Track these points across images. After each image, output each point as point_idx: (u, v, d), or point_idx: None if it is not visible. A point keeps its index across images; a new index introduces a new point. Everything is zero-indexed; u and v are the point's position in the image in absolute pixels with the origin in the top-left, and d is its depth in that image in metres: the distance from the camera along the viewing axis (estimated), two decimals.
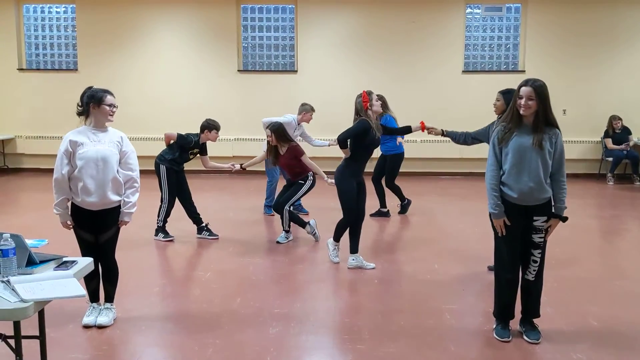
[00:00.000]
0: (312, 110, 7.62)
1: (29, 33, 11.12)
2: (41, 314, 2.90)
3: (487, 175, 3.78)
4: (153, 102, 10.86)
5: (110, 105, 3.84)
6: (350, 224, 5.37)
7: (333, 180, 6.28)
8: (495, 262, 3.92)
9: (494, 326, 3.87)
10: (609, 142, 10.28)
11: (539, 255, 3.74)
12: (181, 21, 10.81)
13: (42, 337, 3.02)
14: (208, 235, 6.31)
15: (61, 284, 2.59)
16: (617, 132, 10.26)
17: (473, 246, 6.05)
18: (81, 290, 2.59)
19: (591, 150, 10.59)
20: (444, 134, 5.48)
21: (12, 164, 11.16)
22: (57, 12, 11.08)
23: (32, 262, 2.77)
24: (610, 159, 10.25)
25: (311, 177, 6.26)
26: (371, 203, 7.76)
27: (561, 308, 4.28)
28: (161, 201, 6.21)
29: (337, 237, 5.47)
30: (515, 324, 3.88)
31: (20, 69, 11.05)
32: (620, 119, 10.22)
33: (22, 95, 11.01)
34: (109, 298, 4.06)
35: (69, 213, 3.87)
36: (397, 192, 7.58)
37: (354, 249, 5.33)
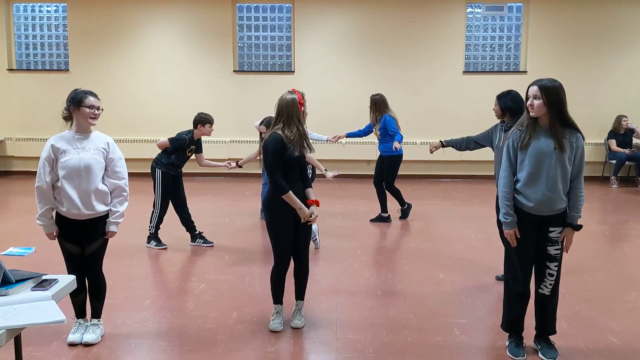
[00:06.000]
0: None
1: (19, 32, 10.84)
2: (17, 340, 2.64)
3: (499, 182, 3.57)
4: (146, 104, 10.61)
5: (90, 107, 3.57)
6: (281, 270, 3.97)
7: (334, 173, 6.05)
8: (505, 273, 3.70)
9: (507, 343, 3.64)
10: (613, 144, 10.08)
11: (556, 269, 3.52)
12: (175, 20, 10.55)
13: None
14: (202, 243, 6.07)
15: (38, 308, 2.33)
16: (621, 133, 10.07)
17: (478, 254, 5.82)
18: (60, 315, 2.33)
19: (594, 152, 10.37)
20: (443, 145, 5.38)
21: (1, 167, 10.88)
22: (48, 11, 10.80)
23: (7, 281, 2.50)
24: (614, 161, 10.05)
25: (310, 171, 6.00)
26: (372, 207, 7.58)
27: (577, 323, 4.05)
28: (153, 206, 5.96)
29: (274, 298, 4.06)
30: (529, 340, 3.66)
31: (10, 70, 10.77)
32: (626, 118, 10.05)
33: (12, 96, 10.74)
34: (96, 314, 3.80)
35: (54, 223, 3.61)
36: (397, 195, 7.35)
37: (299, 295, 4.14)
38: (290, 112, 3.78)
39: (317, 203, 3.97)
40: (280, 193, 3.76)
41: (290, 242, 3.91)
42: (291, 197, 3.77)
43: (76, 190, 3.51)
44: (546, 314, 3.57)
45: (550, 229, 3.47)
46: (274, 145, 3.73)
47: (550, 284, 3.52)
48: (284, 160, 3.76)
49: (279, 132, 3.77)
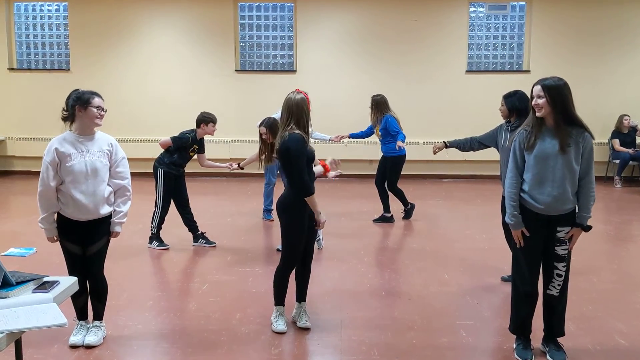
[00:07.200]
0: None
1: (20, 32, 10.80)
2: (18, 343, 2.59)
3: (506, 182, 3.55)
4: (147, 103, 10.56)
5: (97, 108, 3.52)
6: (289, 272, 3.95)
7: (335, 173, 6.00)
8: (513, 274, 3.66)
9: (515, 345, 3.59)
10: (616, 144, 10.04)
11: (564, 269, 3.48)
12: (177, 19, 10.51)
13: None
14: (205, 243, 6.02)
15: (39, 311, 2.28)
16: (624, 132, 10.03)
17: (482, 254, 5.78)
18: (62, 318, 2.28)
19: (598, 152, 10.28)
20: (447, 145, 5.32)
21: (1, 167, 10.83)
22: (49, 11, 10.76)
23: (7, 283, 2.46)
24: (617, 161, 10.00)
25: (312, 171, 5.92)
26: (375, 207, 7.53)
27: (584, 324, 4.00)
28: (155, 205, 5.92)
29: (277, 299, 3.99)
30: (537, 342, 3.61)
31: (11, 69, 10.73)
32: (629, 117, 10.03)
33: (13, 95, 10.70)
34: (98, 316, 3.76)
35: (56, 226, 3.57)
36: (400, 196, 7.30)
37: (299, 297, 4.11)
38: (300, 111, 3.75)
39: (326, 168, 3.96)
40: (306, 194, 3.72)
41: (304, 245, 3.88)
42: (314, 199, 3.75)
43: (83, 194, 3.46)
44: (554, 316, 3.53)
45: (558, 228, 3.43)
46: (298, 146, 3.67)
47: (559, 285, 3.48)
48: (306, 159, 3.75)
49: (297, 132, 3.72)
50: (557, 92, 3.31)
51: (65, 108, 3.56)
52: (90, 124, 3.54)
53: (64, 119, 3.58)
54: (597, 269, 5.28)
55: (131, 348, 3.66)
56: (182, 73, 10.57)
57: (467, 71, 10.49)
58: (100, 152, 3.55)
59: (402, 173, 7.29)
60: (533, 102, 3.37)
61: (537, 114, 3.36)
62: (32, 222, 6.58)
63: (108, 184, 3.59)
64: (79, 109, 3.50)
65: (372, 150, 10.03)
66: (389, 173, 7.19)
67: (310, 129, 3.84)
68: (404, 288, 4.82)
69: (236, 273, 5.17)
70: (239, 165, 6.28)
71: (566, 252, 3.46)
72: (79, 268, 3.62)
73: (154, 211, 5.92)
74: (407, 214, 7.39)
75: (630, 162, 10.02)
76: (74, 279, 2.77)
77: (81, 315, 3.75)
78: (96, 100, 3.53)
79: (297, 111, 3.74)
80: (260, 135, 5.80)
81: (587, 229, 3.45)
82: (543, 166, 3.35)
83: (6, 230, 6.67)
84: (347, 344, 3.71)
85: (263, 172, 7.33)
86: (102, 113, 3.57)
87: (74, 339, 3.64)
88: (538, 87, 3.35)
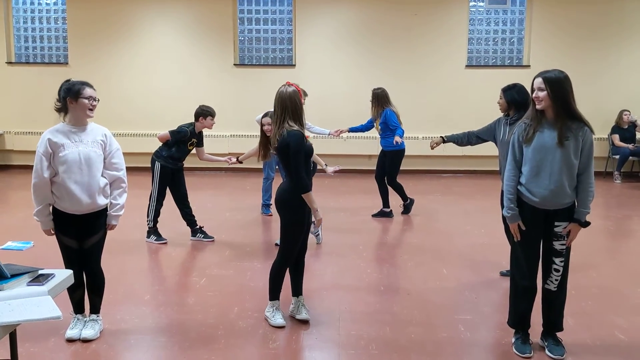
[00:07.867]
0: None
1: (18, 25, 10.74)
2: (12, 335, 2.57)
3: (504, 175, 3.53)
4: (145, 97, 10.52)
5: (89, 99, 3.49)
6: (285, 267, 3.95)
7: (334, 168, 5.99)
8: (511, 268, 3.65)
9: (513, 340, 3.57)
10: (616, 139, 10.01)
11: (561, 264, 3.46)
12: (175, 13, 10.46)
13: None
14: (203, 238, 6.00)
15: (33, 303, 2.26)
16: (624, 127, 10.00)
17: (481, 249, 5.76)
18: (56, 311, 2.26)
19: (598, 147, 10.25)
20: (444, 140, 5.28)
21: (0, 161, 10.81)
22: (47, 4, 10.70)
23: (2, 276, 2.44)
24: (617, 156, 9.98)
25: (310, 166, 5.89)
26: (374, 203, 7.52)
27: (583, 319, 3.98)
28: (149, 199, 5.90)
29: (273, 294, 3.97)
30: (535, 336, 3.60)
31: (9, 63, 10.68)
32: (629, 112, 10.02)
33: (11, 89, 10.65)
34: (95, 309, 3.74)
35: (52, 219, 3.54)
36: (400, 190, 7.28)
37: (296, 292, 4.09)
38: (294, 105, 3.73)
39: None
40: (303, 191, 3.69)
41: (302, 240, 3.89)
42: (311, 196, 3.72)
43: (78, 185, 3.43)
44: (552, 310, 3.51)
45: (556, 223, 3.42)
46: (299, 142, 3.65)
47: (556, 280, 3.46)
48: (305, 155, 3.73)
49: (295, 127, 3.69)
50: (558, 85, 3.29)
51: (58, 99, 3.53)
52: (82, 115, 3.51)
53: (58, 110, 3.55)
54: (596, 265, 5.27)
55: (128, 342, 3.64)
56: (181, 67, 10.52)
57: (467, 66, 10.45)
58: (94, 142, 3.52)
59: (401, 168, 7.26)
60: (533, 95, 3.36)
61: (537, 107, 3.35)
62: (29, 216, 6.50)
63: (103, 176, 3.56)
64: (70, 100, 3.47)
65: (371, 145, 9.99)
66: (389, 167, 7.16)
67: (304, 122, 3.82)
68: (403, 283, 4.80)
69: (234, 267, 5.15)
70: (237, 159, 6.25)
71: (564, 247, 3.44)
72: (76, 261, 3.60)
73: (149, 205, 5.90)
74: (406, 208, 7.37)
75: (630, 157, 10.00)
76: (69, 271, 2.75)
77: (78, 308, 3.73)
78: (87, 91, 3.49)
79: (291, 105, 3.71)
80: (262, 127, 5.75)
81: (585, 224, 3.43)
82: (541, 159, 3.33)
83: (4, 224, 6.64)
84: (345, 338, 3.69)
85: (262, 167, 7.31)
86: (94, 103, 3.53)
87: (71, 332, 3.62)
88: (539, 80, 3.33)
